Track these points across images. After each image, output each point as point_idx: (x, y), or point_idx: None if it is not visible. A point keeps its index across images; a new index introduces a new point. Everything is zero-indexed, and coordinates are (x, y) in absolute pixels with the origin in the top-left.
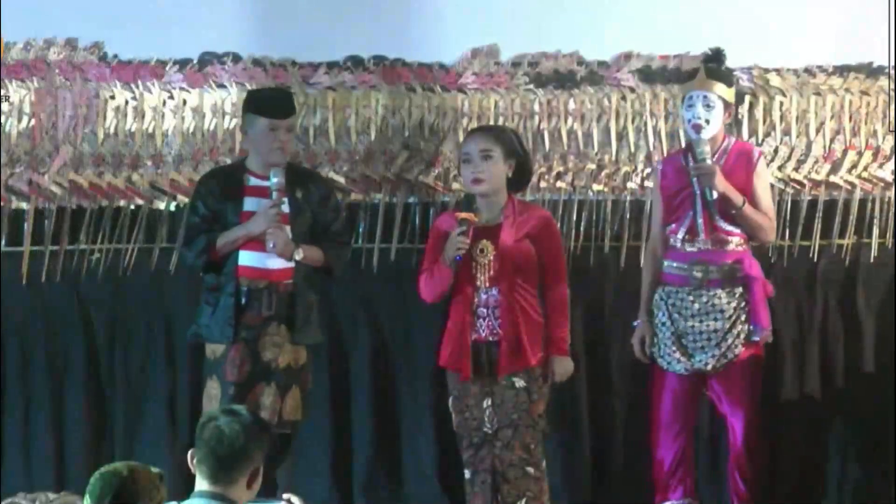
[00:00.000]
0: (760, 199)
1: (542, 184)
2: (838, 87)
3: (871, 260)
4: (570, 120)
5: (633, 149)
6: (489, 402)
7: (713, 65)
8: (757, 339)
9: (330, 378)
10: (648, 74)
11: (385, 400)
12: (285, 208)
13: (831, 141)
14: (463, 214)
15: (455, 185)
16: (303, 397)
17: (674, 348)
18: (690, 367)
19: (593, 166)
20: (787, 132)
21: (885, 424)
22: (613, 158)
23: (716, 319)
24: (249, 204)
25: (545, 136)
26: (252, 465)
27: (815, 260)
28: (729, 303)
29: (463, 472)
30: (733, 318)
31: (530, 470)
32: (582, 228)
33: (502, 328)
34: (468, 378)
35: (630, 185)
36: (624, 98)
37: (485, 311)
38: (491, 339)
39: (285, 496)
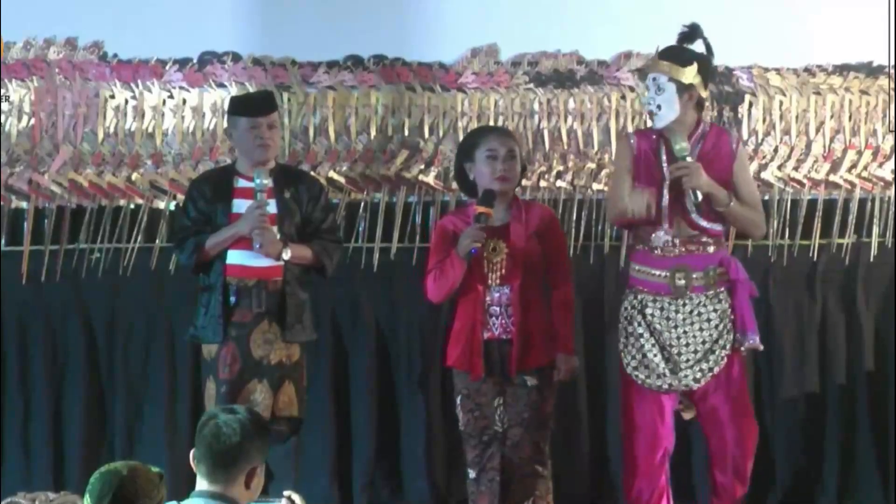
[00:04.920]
0: (746, 192)
1: (542, 183)
2: (838, 87)
3: (871, 259)
4: (570, 119)
5: None
6: (500, 401)
7: (675, 45)
8: (747, 346)
9: (330, 378)
10: None
11: (385, 400)
12: (272, 209)
13: (831, 140)
14: (480, 208)
15: (455, 185)
16: (298, 393)
17: (658, 362)
18: (677, 385)
19: (593, 165)
20: (786, 131)
21: (885, 424)
22: (613, 158)
23: (702, 329)
24: (238, 205)
25: (545, 135)
26: (249, 463)
27: (815, 259)
28: (715, 310)
29: (465, 472)
30: (720, 327)
31: (539, 469)
32: (582, 228)
33: (515, 326)
34: (480, 377)
35: None
36: (624, 97)
37: (497, 309)
38: (504, 337)
39: (286, 493)
